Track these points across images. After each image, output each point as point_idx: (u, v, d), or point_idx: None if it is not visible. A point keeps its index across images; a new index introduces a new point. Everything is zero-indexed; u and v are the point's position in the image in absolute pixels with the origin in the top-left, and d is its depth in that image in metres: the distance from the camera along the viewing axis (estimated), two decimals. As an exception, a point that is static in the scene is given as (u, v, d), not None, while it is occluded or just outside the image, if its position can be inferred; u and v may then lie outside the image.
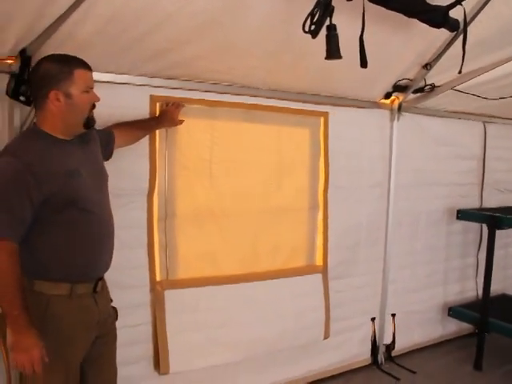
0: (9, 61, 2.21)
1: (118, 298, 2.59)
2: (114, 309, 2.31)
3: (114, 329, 2.31)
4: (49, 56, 1.99)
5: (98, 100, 2.05)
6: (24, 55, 2.20)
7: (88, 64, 1.98)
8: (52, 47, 2.13)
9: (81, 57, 2.10)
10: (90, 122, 2.05)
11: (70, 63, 1.95)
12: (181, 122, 2.77)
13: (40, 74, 1.94)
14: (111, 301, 2.30)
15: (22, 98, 2.24)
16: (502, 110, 4.18)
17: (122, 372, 2.66)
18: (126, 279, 2.70)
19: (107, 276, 2.28)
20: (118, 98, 2.57)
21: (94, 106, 2.04)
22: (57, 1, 1.89)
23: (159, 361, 2.83)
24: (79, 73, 1.94)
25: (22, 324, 1.84)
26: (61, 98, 1.93)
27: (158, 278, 2.84)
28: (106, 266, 2.19)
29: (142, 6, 2.04)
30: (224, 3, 2.13)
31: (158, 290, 2.83)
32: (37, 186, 1.85)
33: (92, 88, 2.02)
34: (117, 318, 2.32)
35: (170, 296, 2.86)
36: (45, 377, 1.94)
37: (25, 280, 1.89)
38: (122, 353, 2.66)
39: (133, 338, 2.76)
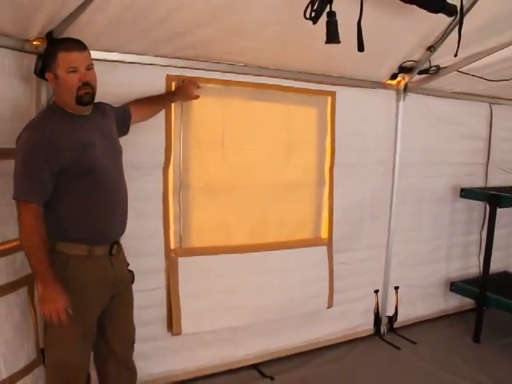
0: (36, 42, 2.38)
1: (135, 264, 2.78)
2: (131, 272, 2.51)
3: (130, 289, 2.51)
4: (55, 39, 2.19)
5: (86, 79, 2.13)
6: (51, 37, 2.36)
7: (76, 45, 2.12)
8: (76, 30, 2.28)
9: (101, 39, 2.30)
10: (80, 99, 2.15)
11: (56, 47, 2.14)
12: (196, 97, 2.90)
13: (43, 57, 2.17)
14: (128, 265, 2.50)
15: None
16: (508, 91, 4.26)
17: (138, 332, 2.85)
18: (142, 247, 2.88)
19: (126, 244, 2.50)
20: (136, 77, 2.73)
21: (86, 84, 2.13)
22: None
23: (172, 323, 3.02)
24: (62, 55, 2.10)
25: (48, 279, 2.06)
26: (53, 79, 2.14)
27: (172, 246, 3.02)
28: (120, 231, 2.39)
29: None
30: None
31: (172, 257, 3.01)
32: (55, 156, 2.06)
33: (77, 68, 2.11)
34: (133, 281, 2.52)
35: (184, 263, 3.04)
36: (64, 328, 2.15)
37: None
38: (138, 315, 2.86)
39: (148, 301, 2.94)
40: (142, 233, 2.88)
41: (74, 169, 2.12)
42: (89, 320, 2.27)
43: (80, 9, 2.17)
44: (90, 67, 2.18)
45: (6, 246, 2.38)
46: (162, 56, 2.77)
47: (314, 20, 1.95)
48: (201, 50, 2.80)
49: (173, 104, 2.90)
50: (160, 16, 2.36)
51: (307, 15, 1.97)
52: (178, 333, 3.04)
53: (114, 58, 2.63)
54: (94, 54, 2.40)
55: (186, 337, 3.11)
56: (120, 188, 2.36)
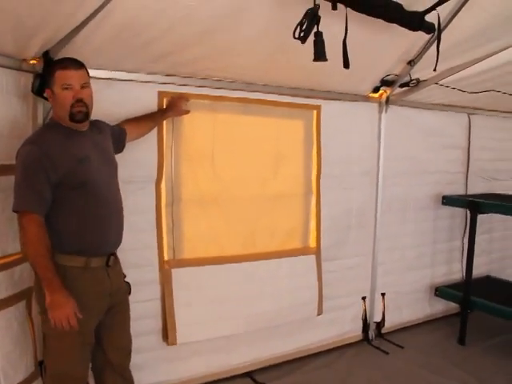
0: (33, 61, 2.47)
1: (131, 275, 2.86)
2: (128, 283, 2.58)
3: (127, 300, 2.58)
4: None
5: (80, 96, 2.23)
6: (47, 57, 2.45)
7: (72, 64, 2.24)
8: (72, 50, 2.39)
9: (95, 58, 2.40)
10: (73, 116, 2.25)
11: (54, 65, 2.27)
12: (186, 112, 3.01)
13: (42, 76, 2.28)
14: (124, 276, 2.57)
15: (45, 95, 2.51)
16: (484, 102, 4.41)
17: (134, 343, 2.92)
18: (137, 259, 2.95)
19: (121, 256, 2.58)
20: (128, 94, 2.83)
21: (79, 101, 2.23)
22: (76, 13, 2.13)
23: (167, 333, 3.09)
24: (58, 73, 2.22)
25: (55, 285, 2.13)
26: (50, 95, 2.26)
27: (165, 258, 3.09)
28: (116, 243, 2.46)
29: (151, 14, 2.27)
30: (224, 12, 2.35)
31: (166, 269, 3.08)
32: (53, 168, 2.16)
33: (72, 85, 2.21)
34: (130, 292, 2.59)
35: (177, 274, 3.12)
36: (63, 339, 2.24)
37: None
38: (134, 326, 2.92)
39: (143, 312, 3.00)
40: (137, 245, 2.95)
41: (69, 182, 2.21)
42: (87, 331, 2.32)
43: (76, 30, 2.26)
44: (85, 85, 2.27)
45: (6, 260, 2.45)
46: (153, 73, 2.87)
47: (303, 40, 2.07)
48: (191, 67, 2.91)
49: (164, 120, 2.99)
50: (152, 36, 2.46)
51: (296, 35, 2.09)
52: (174, 343, 3.10)
53: (107, 76, 2.73)
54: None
55: (181, 346, 3.17)
56: (115, 202, 2.45)
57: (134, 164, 2.89)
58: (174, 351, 3.17)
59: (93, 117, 2.41)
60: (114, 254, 2.46)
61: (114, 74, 2.74)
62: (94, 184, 2.30)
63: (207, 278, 3.23)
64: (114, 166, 2.51)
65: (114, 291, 2.42)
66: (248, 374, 3.49)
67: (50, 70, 2.28)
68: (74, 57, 2.31)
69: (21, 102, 2.52)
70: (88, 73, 2.32)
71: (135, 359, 2.95)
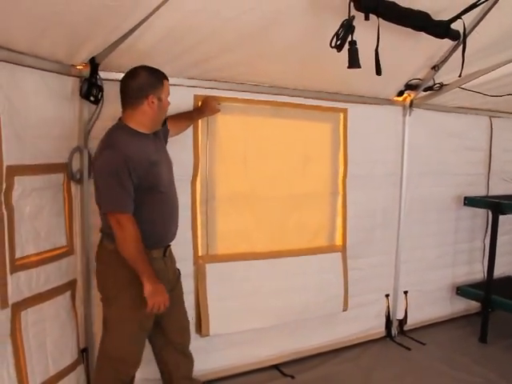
0: (79, 67, 2.66)
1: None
2: (178, 270, 2.82)
3: (180, 284, 2.83)
4: (143, 67, 2.45)
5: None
6: (93, 63, 2.64)
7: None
8: (116, 57, 2.59)
9: (138, 63, 2.55)
10: (165, 120, 2.63)
11: (160, 75, 2.46)
12: (218, 110, 3.15)
13: (140, 81, 2.41)
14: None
15: (91, 99, 2.69)
16: (505, 105, 4.49)
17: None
18: (175, 253, 3.03)
19: None
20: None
21: None
22: (123, 24, 2.30)
23: (201, 325, 3.24)
24: (166, 83, 2.47)
25: (153, 277, 2.38)
26: (155, 101, 2.42)
27: (199, 253, 3.25)
28: (174, 235, 2.69)
29: (192, 23, 2.41)
30: (261, 20, 2.50)
31: (200, 264, 3.24)
32: (134, 171, 2.34)
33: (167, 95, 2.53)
34: (180, 277, 2.82)
35: (211, 268, 3.27)
36: (125, 325, 2.50)
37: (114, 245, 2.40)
38: None
39: (179, 305, 3.17)
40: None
41: (143, 184, 2.39)
42: (150, 316, 2.53)
43: (122, 38, 2.43)
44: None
45: (55, 253, 2.63)
46: (190, 78, 3.02)
47: (339, 48, 2.21)
48: (226, 72, 3.05)
49: (200, 121, 3.14)
50: (192, 43, 2.61)
51: (333, 44, 2.23)
52: (207, 334, 3.25)
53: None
54: None
55: (213, 338, 3.32)
56: (175, 199, 2.68)
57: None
58: (206, 342, 3.31)
59: None
60: (169, 246, 2.68)
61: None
62: (162, 185, 2.52)
63: (238, 272, 3.37)
64: (171, 165, 2.72)
65: (170, 278, 2.65)
66: (276, 367, 3.63)
67: (155, 77, 2.46)
68: (119, 62, 2.55)
69: (68, 105, 2.69)
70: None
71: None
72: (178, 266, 3.09)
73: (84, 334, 2.94)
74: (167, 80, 2.49)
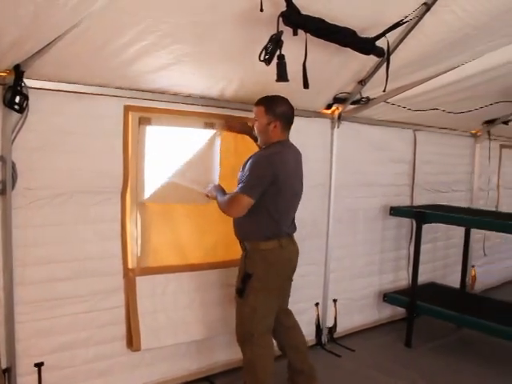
0: (2, 73, 2.55)
1: (96, 284, 3.01)
2: None
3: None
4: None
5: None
6: (18, 70, 2.53)
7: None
8: (41, 63, 2.50)
9: (64, 72, 2.59)
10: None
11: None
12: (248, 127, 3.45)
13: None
14: None
15: (16, 107, 2.60)
16: (427, 119, 4.74)
17: (99, 350, 3.06)
18: (102, 267, 3.04)
19: (86, 264, 2.92)
20: (97, 107, 2.93)
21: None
22: (50, 33, 2.25)
23: (132, 339, 3.16)
24: (254, 108, 3.08)
25: None
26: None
27: (130, 266, 3.18)
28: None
29: (111, 31, 2.40)
30: (194, 35, 2.55)
31: (130, 277, 3.17)
32: (273, 176, 2.83)
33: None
34: None
35: (141, 282, 3.21)
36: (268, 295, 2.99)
37: (253, 243, 2.97)
38: (99, 333, 3.07)
39: (108, 319, 3.10)
40: (102, 254, 3.05)
41: (274, 186, 2.86)
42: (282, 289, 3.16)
43: (48, 46, 2.36)
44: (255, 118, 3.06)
45: None
46: (120, 88, 2.96)
47: (268, 62, 2.26)
48: (156, 82, 3.02)
49: (130, 132, 3.08)
50: (115, 49, 2.55)
51: (261, 58, 2.27)
52: (138, 349, 3.18)
53: (76, 90, 2.81)
54: (58, 86, 2.70)
55: (145, 352, 3.26)
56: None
57: (101, 174, 2.98)
58: (137, 357, 3.26)
59: (60, 127, 2.76)
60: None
61: (81, 88, 2.82)
62: (286, 187, 2.94)
63: (170, 285, 3.33)
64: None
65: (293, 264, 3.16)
66: (207, 379, 3.61)
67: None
68: (44, 70, 2.53)
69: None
70: (263, 109, 2.99)
71: (100, 365, 3.07)
72: (106, 279, 3.07)
73: (6, 353, 2.81)
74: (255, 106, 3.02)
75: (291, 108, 3.07)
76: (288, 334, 3.34)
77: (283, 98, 3.03)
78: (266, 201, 2.89)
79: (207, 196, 3.21)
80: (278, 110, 2.99)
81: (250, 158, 2.98)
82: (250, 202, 2.83)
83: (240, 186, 2.87)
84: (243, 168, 2.98)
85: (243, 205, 2.83)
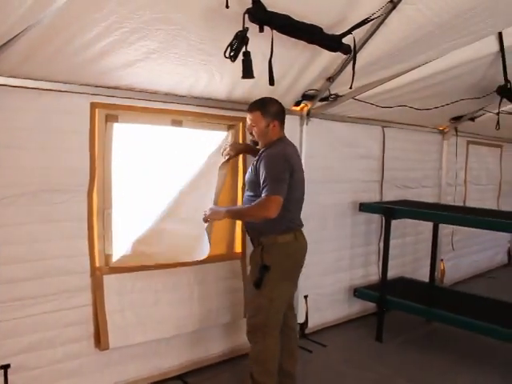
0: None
1: (63, 283, 2.97)
2: None
3: None
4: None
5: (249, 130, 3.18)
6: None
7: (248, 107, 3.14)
8: (5, 61, 2.44)
9: (28, 68, 2.56)
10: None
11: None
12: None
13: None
14: None
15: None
16: (395, 116, 4.80)
17: (67, 350, 3.02)
18: (69, 266, 3.01)
19: (53, 263, 2.85)
20: (61, 104, 2.88)
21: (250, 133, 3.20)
22: (8, 31, 2.21)
23: (100, 338, 3.13)
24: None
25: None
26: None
27: (97, 265, 3.14)
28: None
29: (76, 27, 2.36)
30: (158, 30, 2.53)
31: (97, 275, 3.13)
32: (290, 170, 2.95)
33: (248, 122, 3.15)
34: None
35: (109, 280, 3.17)
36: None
37: (270, 238, 3.05)
38: (66, 333, 3.04)
39: (75, 318, 3.07)
40: (69, 252, 3.01)
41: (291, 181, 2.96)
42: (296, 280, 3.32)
43: (12, 41, 2.30)
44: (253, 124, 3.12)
45: None
46: (86, 84, 2.92)
47: (233, 59, 2.25)
48: (123, 79, 2.98)
49: (96, 130, 3.04)
50: (81, 45, 2.51)
51: (227, 55, 2.27)
52: (106, 348, 3.14)
53: (42, 86, 2.76)
54: (22, 83, 2.65)
55: (113, 351, 3.23)
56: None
57: (67, 172, 2.94)
58: (106, 356, 3.22)
59: (26, 125, 2.73)
60: None
61: (45, 85, 2.77)
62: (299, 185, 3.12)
63: (138, 283, 3.30)
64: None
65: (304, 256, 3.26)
66: (179, 377, 3.59)
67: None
68: (6, 66, 2.49)
69: None
70: (259, 113, 3.07)
71: (68, 366, 3.04)
72: (73, 278, 3.04)
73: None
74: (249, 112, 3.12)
75: (281, 104, 3.15)
76: (289, 336, 3.38)
77: (271, 97, 3.13)
78: None
79: (206, 221, 3.21)
80: (273, 110, 3.09)
81: (258, 158, 3.05)
82: (281, 201, 2.88)
83: (265, 188, 2.90)
84: (254, 169, 3.06)
85: (278, 204, 2.87)
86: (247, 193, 3.19)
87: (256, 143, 3.22)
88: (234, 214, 3.24)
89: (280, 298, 3.12)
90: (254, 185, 3.07)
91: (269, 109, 3.08)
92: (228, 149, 3.38)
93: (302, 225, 3.24)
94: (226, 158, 3.36)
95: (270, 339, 3.13)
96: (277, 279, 3.05)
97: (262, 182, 2.93)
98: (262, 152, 3.09)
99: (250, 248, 3.83)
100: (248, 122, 3.14)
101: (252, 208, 3.00)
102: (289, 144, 3.19)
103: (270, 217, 2.86)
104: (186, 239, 3.33)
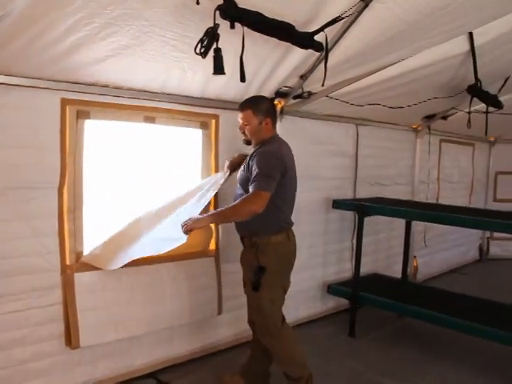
0: None
1: (32, 281, 2.93)
2: None
3: None
4: None
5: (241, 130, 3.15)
6: None
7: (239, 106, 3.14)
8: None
9: None
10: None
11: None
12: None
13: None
14: None
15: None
16: (368, 114, 4.84)
17: (36, 349, 2.98)
18: (39, 263, 2.97)
19: (23, 261, 2.82)
20: (30, 100, 2.84)
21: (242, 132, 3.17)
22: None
23: (70, 337, 3.09)
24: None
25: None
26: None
27: (68, 262, 3.10)
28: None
29: (44, 22, 2.32)
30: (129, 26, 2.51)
31: (68, 273, 3.09)
32: (283, 169, 2.94)
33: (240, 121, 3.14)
34: None
35: (80, 278, 3.13)
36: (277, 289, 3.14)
37: (264, 238, 3.04)
38: (36, 332, 2.99)
39: (46, 317, 3.03)
40: (39, 250, 2.97)
41: (282, 179, 2.94)
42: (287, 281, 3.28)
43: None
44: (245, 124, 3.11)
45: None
46: (56, 80, 2.88)
47: (204, 55, 2.25)
48: (94, 75, 2.96)
49: (67, 127, 3.01)
50: (50, 41, 2.48)
51: (197, 51, 2.26)
52: (77, 346, 3.11)
53: (9, 82, 2.72)
54: None
55: (84, 350, 3.20)
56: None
57: (37, 169, 2.91)
58: (77, 355, 3.19)
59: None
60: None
61: (11, 80, 2.72)
62: (291, 185, 3.16)
63: (109, 281, 3.27)
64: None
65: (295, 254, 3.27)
66: (152, 375, 3.58)
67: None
68: None
69: None
70: (251, 112, 3.06)
71: (38, 365, 3.00)
72: (43, 276, 3.01)
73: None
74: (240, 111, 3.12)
75: (272, 101, 3.19)
76: None
77: (261, 95, 3.18)
78: (275, 194, 2.91)
79: (187, 231, 2.99)
80: (264, 108, 3.09)
81: (252, 156, 3.04)
82: (268, 197, 2.84)
83: (254, 183, 2.86)
84: (247, 167, 3.03)
85: (265, 200, 2.83)
86: (238, 191, 3.16)
87: (249, 142, 3.19)
88: (218, 217, 3.09)
89: (280, 297, 3.19)
90: (245, 183, 3.03)
91: (260, 106, 3.07)
92: (225, 169, 3.46)
93: (292, 223, 3.25)
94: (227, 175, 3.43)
95: (282, 336, 3.21)
96: (274, 279, 3.07)
97: (252, 177, 2.91)
98: (256, 150, 3.07)
99: (226, 245, 3.92)
100: (240, 121, 3.12)
101: (237, 205, 2.91)
102: (283, 143, 3.17)
103: (256, 212, 2.81)
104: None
